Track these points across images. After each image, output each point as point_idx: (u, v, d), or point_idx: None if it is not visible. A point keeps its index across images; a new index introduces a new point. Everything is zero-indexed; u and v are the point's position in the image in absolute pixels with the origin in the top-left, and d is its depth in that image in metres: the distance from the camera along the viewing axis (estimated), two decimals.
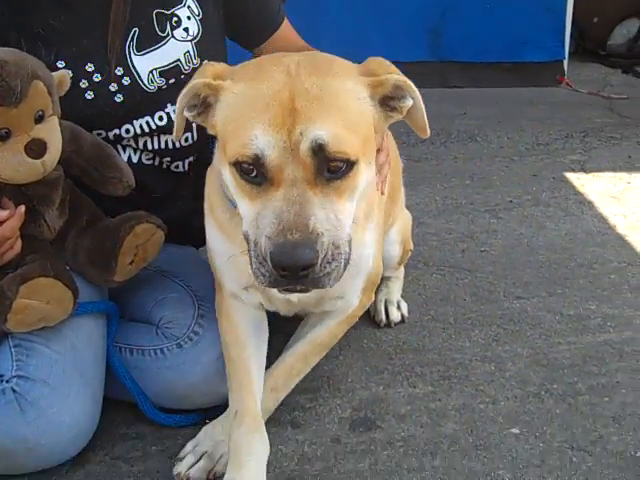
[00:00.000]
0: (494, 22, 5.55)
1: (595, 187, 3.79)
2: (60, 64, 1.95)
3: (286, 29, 2.33)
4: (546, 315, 2.60)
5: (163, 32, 2.08)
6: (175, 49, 2.10)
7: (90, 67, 2.00)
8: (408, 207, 2.71)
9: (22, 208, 1.80)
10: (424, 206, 3.45)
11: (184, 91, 1.60)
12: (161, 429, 2.04)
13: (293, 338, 2.06)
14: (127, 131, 2.08)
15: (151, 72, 2.07)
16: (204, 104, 1.60)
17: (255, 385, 1.89)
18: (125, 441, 2.01)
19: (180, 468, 1.83)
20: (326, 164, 1.45)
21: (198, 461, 1.84)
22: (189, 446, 1.87)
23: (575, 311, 2.63)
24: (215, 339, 2.00)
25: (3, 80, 1.67)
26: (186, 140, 2.19)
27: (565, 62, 5.78)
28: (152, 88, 2.08)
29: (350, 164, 1.47)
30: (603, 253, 3.07)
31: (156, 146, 2.15)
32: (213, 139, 2.32)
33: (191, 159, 2.24)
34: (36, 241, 1.89)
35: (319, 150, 1.43)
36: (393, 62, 1.62)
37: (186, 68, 2.11)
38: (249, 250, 1.51)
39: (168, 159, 2.19)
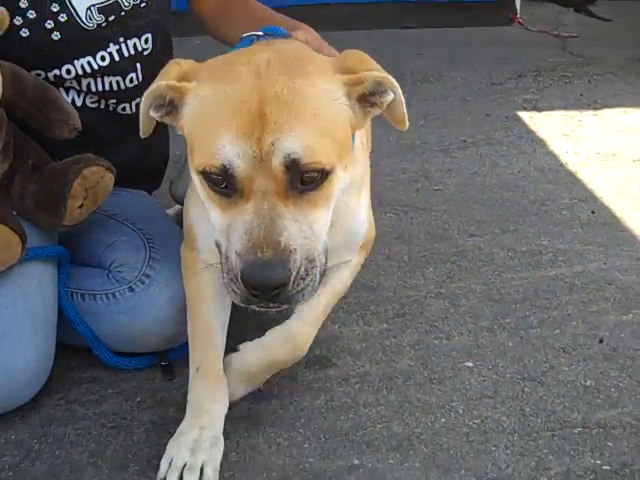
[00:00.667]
0: None
1: (547, 125, 3.81)
2: None
3: None
4: (499, 251, 2.63)
5: None
6: None
7: (24, 3, 1.94)
8: None
9: None
10: (378, 147, 3.41)
11: (147, 92, 1.55)
12: (117, 373, 2.04)
13: None
14: (68, 72, 2.03)
15: (89, 9, 2.01)
16: (171, 105, 1.55)
17: (218, 342, 1.84)
18: (80, 385, 2.00)
19: None
20: (299, 176, 1.40)
21: (182, 478, 1.64)
22: (164, 464, 1.66)
23: (527, 247, 2.66)
24: (167, 281, 1.99)
25: None
26: (131, 81, 2.14)
27: (517, 1, 5.76)
28: (91, 26, 2.02)
29: (325, 173, 1.42)
30: (555, 190, 3.10)
31: (100, 88, 2.10)
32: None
33: (138, 100, 2.19)
34: None
35: (292, 165, 1.38)
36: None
37: (126, 5, 2.06)
38: (220, 262, 1.48)
39: (113, 101, 2.15)
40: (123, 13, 2.05)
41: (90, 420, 1.88)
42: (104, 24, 2.04)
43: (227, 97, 1.42)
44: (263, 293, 1.40)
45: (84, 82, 2.07)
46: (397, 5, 5.54)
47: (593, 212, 2.90)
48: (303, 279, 1.43)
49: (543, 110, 4.02)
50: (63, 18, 1.98)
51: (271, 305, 1.45)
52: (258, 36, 1.87)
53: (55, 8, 1.96)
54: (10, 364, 1.79)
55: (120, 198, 2.20)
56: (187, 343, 2.01)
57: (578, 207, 2.95)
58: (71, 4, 1.98)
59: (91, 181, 1.91)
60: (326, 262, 1.51)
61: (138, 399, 1.95)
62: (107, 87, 2.11)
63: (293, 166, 1.38)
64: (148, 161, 2.39)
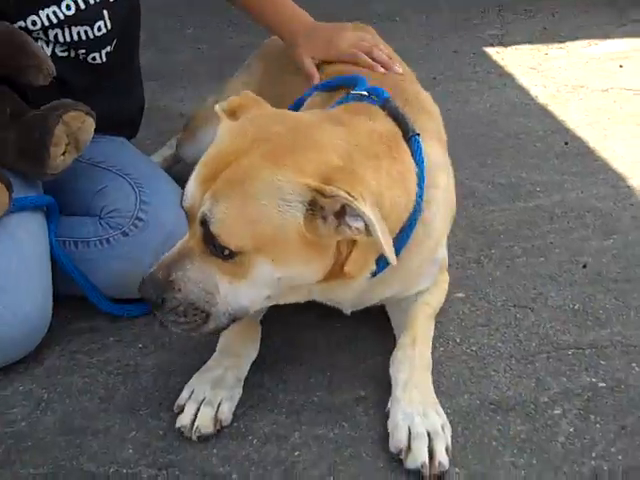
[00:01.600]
0: None
1: (514, 60, 3.85)
2: None
3: None
4: (479, 185, 2.68)
5: None
6: None
7: None
8: None
9: None
10: None
11: (216, 105, 1.68)
12: (115, 320, 2.06)
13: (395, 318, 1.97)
14: (34, 23, 2.00)
15: None
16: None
17: None
18: (80, 335, 2.02)
19: (184, 420, 1.67)
20: (212, 240, 1.48)
21: (199, 409, 1.68)
22: (184, 394, 1.71)
23: (506, 180, 2.71)
24: (161, 223, 2.00)
25: None
26: (99, 29, 2.11)
27: None
28: None
29: (235, 252, 1.47)
30: (527, 123, 3.15)
31: (68, 38, 2.07)
32: (132, 26, 2.28)
33: (108, 49, 2.17)
34: None
35: (207, 233, 1.48)
36: None
37: None
38: None
39: (83, 51, 2.13)
40: None
41: (95, 368, 1.90)
42: None
43: (219, 147, 1.56)
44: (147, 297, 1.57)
45: (51, 33, 2.04)
46: None
47: (566, 143, 2.96)
48: (178, 315, 1.54)
49: (509, 45, 4.06)
50: None
51: (167, 318, 1.57)
52: (361, 95, 1.83)
53: None
54: (10, 315, 1.80)
55: (101, 145, 2.20)
56: None
57: (551, 139, 3.00)
58: None
59: (72, 126, 1.91)
60: (234, 319, 1.58)
61: (140, 345, 1.97)
62: (75, 37, 2.08)
63: (208, 235, 1.48)
64: (124, 109, 2.38)
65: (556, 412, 1.72)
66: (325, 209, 1.48)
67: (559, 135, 3.01)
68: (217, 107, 1.67)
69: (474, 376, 1.84)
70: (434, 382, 1.77)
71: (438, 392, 1.76)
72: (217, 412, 1.69)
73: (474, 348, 1.93)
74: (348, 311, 1.91)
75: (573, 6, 4.64)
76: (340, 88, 1.95)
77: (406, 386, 1.70)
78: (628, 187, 2.64)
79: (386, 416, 1.68)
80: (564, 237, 2.37)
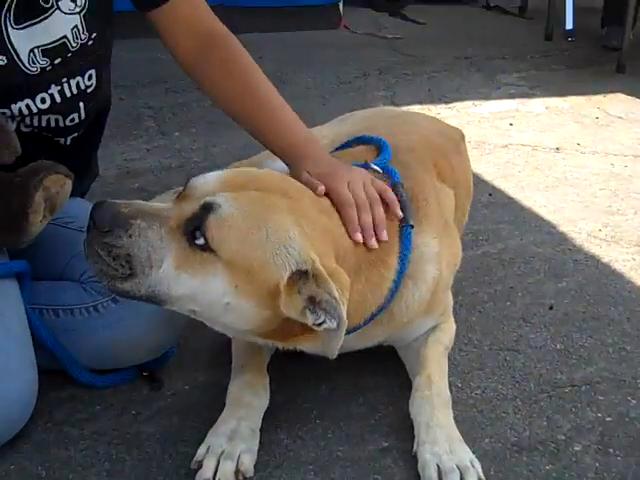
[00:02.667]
0: None
1: None
2: None
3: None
4: None
5: (47, 3, 1.77)
6: (61, 23, 1.80)
7: None
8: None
9: None
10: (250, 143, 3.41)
11: None
12: (95, 389, 1.89)
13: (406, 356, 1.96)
14: (4, 113, 1.82)
15: (32, 51, 1.78)
16: None
17: (263, 349, 1.83)
18: (62, 405, 1.83)
19: (206, 474, 1.57)
20: (197, 228, 1.46)
21: (219, 463, 1.59)
22: (201, 450, 1.62)
23: None
24: None
25: None
26: (72, 120, 1.94)
27: (340, 5, 5.95)
28: (34, 70, 1.80)
29: (210, 251, 1.46)
30: None
31: (36, 124, 1.89)
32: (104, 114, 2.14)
33: (75, 135, 2.00)
34: None
35: (204, 213, 1.47)
36: None
37: (73, 45, 1.84)
38: None
39: (49, 135, 1.96)
40: (69, 54, 1.85)
41: (91, 439, 1.73)
42: (49, 68, 1.83)
43: (268, 173, 1.65)
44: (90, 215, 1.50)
45: (18, 118, 1.87)
46: (232, 9, 5.53)
47: (490, 194, 3.07)
48: (108, 254, 1.48)
49: (401, 105, 4.18)
50: (2, 62, 1.75)
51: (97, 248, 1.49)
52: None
53: None
54: (5, 395, 1.62)
55: (66, 207, 2.04)
56: (169, 350, 1.94)
57: (475, 190, 3.06)
58: (12, 45, 1.75)
59: (52, 191, 1.74)
60: (148, 299, 1.53)
61: (133, 412, 1.82)
62: (44, 124, 1.91)
63: (203, 216, 1.47)
64: (82, 183, 2.22)
65: (577, 449, 1.75)
66: (306, 288, 1.49)
67: (481, 187, 3.11)
68: None
69: (487, 419, 1.84)
70: None
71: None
72: (238, 465, 1.61)
73: (478, 392, 1.93)
74: (333, 356, 1.87)
75: (447, 71, 4.89)
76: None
77: (429, 427, 1.68)
78: (560, 233, 2.76)
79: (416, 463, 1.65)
80: (521, 281, 2.44)
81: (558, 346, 2.11)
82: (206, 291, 1.49)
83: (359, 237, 1.64)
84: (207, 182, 1.55)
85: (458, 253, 1.99)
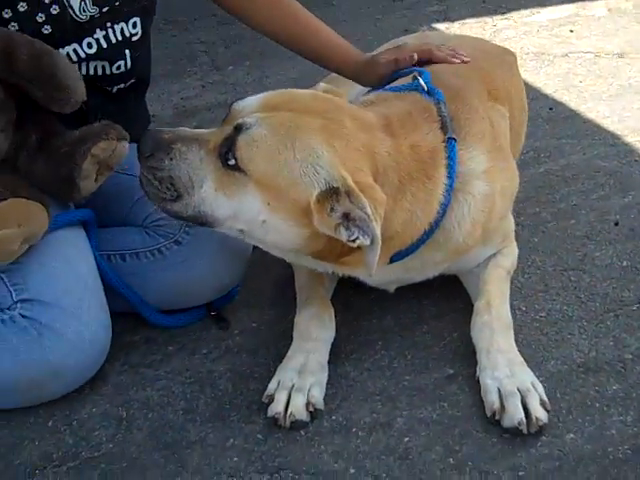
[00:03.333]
0: None
1: (467, 34, 3.86)
2: None
3: None
4: None
5: None
6: None
7: None
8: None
9: None
10: (304, 74, 3.37)
11: None
12: (167, 329, 1.95)
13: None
14: None
15: (83, 0, 1.82)
16: None
17: (326, 281, 1.89)
18: (137, 348, 1.91)
19: (277, 407, 1.63)
20: (231, 146, 1.53)
21: (290, 397, 1.65)
22: (272, 384, 1.68)
23: None
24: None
25: None
26: (118, 68, 1.97)
27: None
28: (84, 18, 1.84)
29: (242, 171, 1.52)
30: None
31: (84, 71, 1.92)
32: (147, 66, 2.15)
33: (121, 85, 2.03)
34: None
35: (236, 131, 1.53)
36: None
37: None
38: None
39: (98, 83, 1.98)
40: (117, 3, 1.88)
41: (166, 379, 1.80)
42: (97, 15, 1.86)
43: (304, 93, 1.69)
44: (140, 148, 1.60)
45: None
46: None
47: (551, 108, 3.00)
48: (154, 177, 1.58)
49: (456, 20, 4.08)
50: (55, 10, 1.79)
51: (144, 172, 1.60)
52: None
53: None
54: (79, 338, 1.69)
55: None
56: (234, 289, 1.98)
57: (535, 105, 3.02)
58: None
59: (102, 156, 1.76)
60: (196, 220, 1.61)
61: (204, 351, 1.89)
62: (92, 72, 1.94)
63: (235, 134, 1.53)
64: (134, 130, 2.24)
65: None
66: (339, 204, 1.50)
67: (540, 101, 3.05)
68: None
69: (552, 341, 1.84)
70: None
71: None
72: (308, 397, 1.66)
73: (542, 314, 1.93)
74: (391, 289, 1.91)
75: None
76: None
77: (489, 352, 1.70)
78: (626, 144, 2.69)
79: None
80: (585, 198, 2.40)
81: (624, 263, 2.09)
82: (243, 210, 1.56)
83: (455, 59, 1.98)
84: (247, 105, 1.60)
85: (514, 178, 1.95)
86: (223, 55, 3.85)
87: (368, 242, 1.50)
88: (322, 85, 1.75)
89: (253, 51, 3.79)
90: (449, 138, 1.72)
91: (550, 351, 1.81)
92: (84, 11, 1.83)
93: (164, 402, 1.73)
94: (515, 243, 2.00)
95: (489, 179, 1.79)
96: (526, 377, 1.65)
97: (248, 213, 1.55)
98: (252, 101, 1.61)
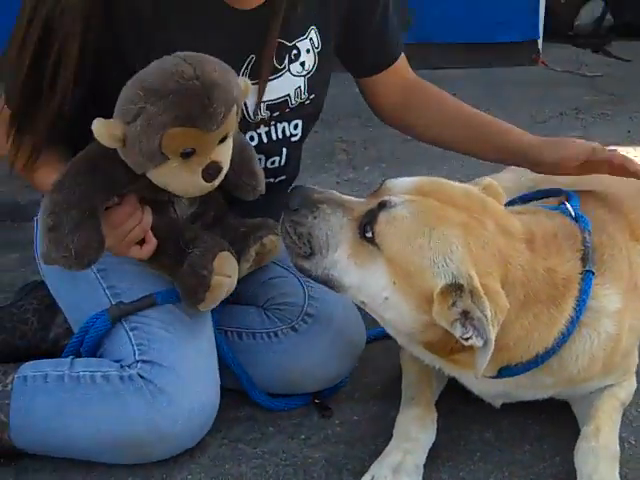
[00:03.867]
0: (471, 2, 5.61)
1: None
2: None
3: (401, 63, 2.16)
4: None
5: (280, 64, 1.92)
6: (288, 83, 1.94)
7: None
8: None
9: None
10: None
11: None
12: (269, 411, 1.99)
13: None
14: None
15: (258, 105, 1.92)
16: None
17: (433, 382, 1.90)
18: (240, 423, 1.95)
19: None
20: (371, 220, 1.59)
21: None
22: (366, 478, 1.70)
23: None
24: (329, 322, 1.96)
25: (211, 106, 1.58)
26: (272, 163, 2.06)
27: (539, 41, 5.86)
28: (254, 120, 1.94)
29: (375, 247, 1.59)
30: None
31: None
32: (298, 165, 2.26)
33: (271, 180, 2.09)
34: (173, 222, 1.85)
35: (379, 207, 1.60)
36: None
37: (293, 103, 1.97)
38: None
39: None
40: (288, 110, 1.98)
41: (262, 459, 1.84)
42: (267, 118, 1.96)
43: (464, 187, 1.69)
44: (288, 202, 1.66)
45: None
46: (425, 46, 5.62)
47: None
48: (294, 232, 1.64)
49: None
50: None
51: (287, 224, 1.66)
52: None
53: None
54: (190, 406, 1.75)
55: None
56: (342, 380, 2.01)
57: None
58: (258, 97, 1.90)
59: (266, 248, 1.91)
60: (324, 281, 1.66)
61: (302, 437, 1.91)
62: None
63: (378, 209, 1.59)
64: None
65: None
66: (461, 301, 1.51)
67: None
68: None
69: None
70: None
71: None
72: None
73: None
74: (497, 404, 1.89)
75: None
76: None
77: (591, 479, 1.65)
78: None
79: None
80: None
81: None
82: (369, 282, 1.60)
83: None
84: (399, 184, 1.66)
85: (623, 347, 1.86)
86: (361, 155, 3.98)
87: (481, 344, 1.51)
88: (487, 179, 1.75)
89: (391, 155, 3.91)
90: (588, 270, 1.71)
91: None
92: (256, 114, 1.93)
93: None
94: (635, 377, 1.95)
95: (618, 319, 1.76)
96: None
97: (373, 286, 1.60)
98: (405, 182, 1.66)
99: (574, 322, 1.69)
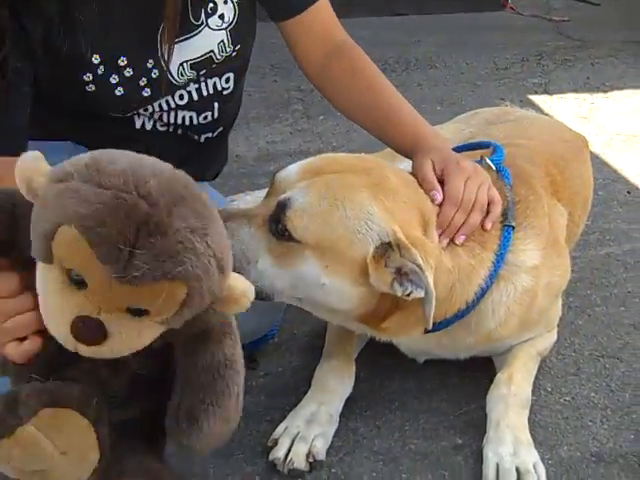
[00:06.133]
0: None
1: (562, 109, 3.85)
2: (95, 59, 1.77)
3: (324, 11, 2.04)
4: None
5: (197, 20, 1.86)
6: (209, 39, 1.89)
7: (123, 61, 1.80)
8: None
9: None
10: None
11: None
12: None
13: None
14: (145, 109, 1.94)
15: (181, 65, 1.88)
16: None
17: (354, 341, 1.91)
18: None
19: (278, 453, 1.68)
20: (279, 222, 1.53)
21: (293, 444, 1.70)
22: (279, 429, 1.73)
23: None
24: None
25: (131, 244, 1.06)
26: (205, 118, 2.03)
27: None
28: (181, 81, 1.91)
29: (294, 240, 1.52)
30: None
31: (172, 120, 2.00)
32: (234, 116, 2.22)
33: (209, 135, 2.10)
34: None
35: (281, 209, 1.53)
36: None
37: (218, 58, 1.93)
38: None
39: (182, 131, 2.06)
40: (214, 65, 1.94)
41: None
42: (194, 78, 1.93)
43: (340, 156, 1.70)
44: None
45: (156, 115, 1.98)
46: None
47: (629, 192, 2.95)
48: None
49: (554, 93, 4.07)
50: (155, 74, 1.86)
51: None
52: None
53: (150, 64, 1.84)
54: None
55: None
56: (268, 334, 2.03)
57: (612, 187, 2.99)
58: (165, 60, 1.85)
59: None
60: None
61: None
62: (179, 121, 2.01)
63: (280, 211, 1.53)
64: (211, 170, 2.34)
65: None
66: (390, 260, 1.51)
67: (619, 184, 3.01)
68: None
69: (570, 427, 1.82)
70: (530, 431, 1.74)
71: (536, 442, 1.72)
72: (310, 447, 1.69)
73: (567, 398, 1.91)
74: (420, 360, 1.94)
75: (612, 57, 4.67)
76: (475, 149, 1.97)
77: (498, 426, 1.70)
78: None
79: None
80: None
81: None
82: (302, 278, 1.56)
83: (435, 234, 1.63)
84: (288, 174, 1.61)
85: (565, 275, 1.91)
86: (317, 105, 3.95)
87: (422, 294, 1.51)
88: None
89: None
90: (507, 225, 1.72)
91: (566, 436, 1.78)
92: (182, 75, 1.90)
93: None
94: (556, 329, 1.99)
95: (535, 275, 1.77)
96: (529, 458, 1.63)
97: (308, 279, 1.55)
98: (293, 170, 1.61)
99: (492, 276, 1.70)
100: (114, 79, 1.82)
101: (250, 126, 3.64)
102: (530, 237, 1.78)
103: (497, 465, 1.61)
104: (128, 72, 1.83)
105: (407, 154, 1.89)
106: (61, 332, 1.14)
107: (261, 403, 1.89)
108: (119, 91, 1.83)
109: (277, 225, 1.53)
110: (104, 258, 1.05)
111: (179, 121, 2.01)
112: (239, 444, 1.76)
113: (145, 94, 1.88)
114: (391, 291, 1.53)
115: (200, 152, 2.13)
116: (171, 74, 1.88)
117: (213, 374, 1.26)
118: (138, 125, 1.99)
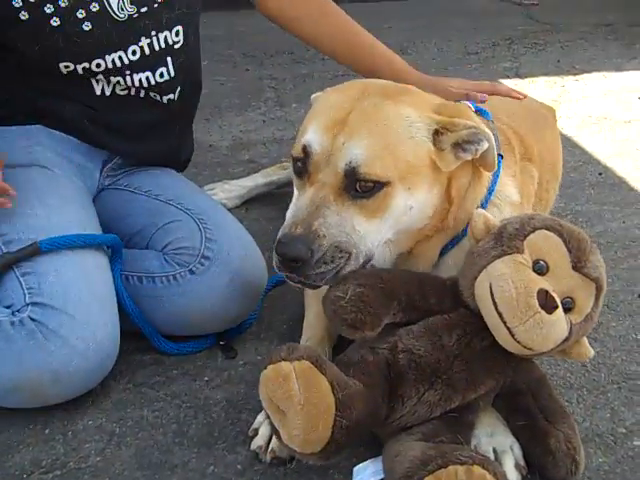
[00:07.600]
0: None
1: (533, 92, 3.87)
2: None
3: None
4: None
5: None
6: None
7: None
8: None
9: None
10: None
11: None
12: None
13: None
14: (98, 65, 1.97)
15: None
16: None
17: (331, 331, 1.91)
18: (144, 368, 1.97)
19: (259, 441, 1.67)
20: (354, 184, 1.58)
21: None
22: (260, 418, 1.71)
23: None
24: (227, 261, 1.97)
25: None
26: (161, 75, 2.07)
27: None
28: (122, 16, 1.95)
29: (380, 185, 1.59)
30: None
31: (129, 83, 2.04)
32: (195, 75, 2.25)
33: (171, 96, 2.13)
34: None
35: (351, 172, 1.57)
36: None
37: None
38: None
39: (144, 93, 2.10)
40: (156, 5, 1.99)
41: (164, 402, 1.86)
42: (135, 15, 1.97)
43: (330, 103, 1.68)
44: (283, 263, 1.59)
45: (113, 80, 2.01)
46: None
47: (600, 174, 2.98)
48: (326, 263, 1.58)
49: (526, 77, 4.10)
50: (95, 8, 1.91)
51: (294, 278, 1.62)
52: None
53: None
54: (84, 346, 1.74)
55: (156, 177, 2.19)
56: (245, 322, 2.04)
57: (584, 169, 3.03)
58: None
59: None
60: (365, 263, 1.65)
61: (206, 378, 1.94)
62: (137, 83, 2.04)
63: (352, 174, 1.58)
64: (181, 149, 2.35)
65: (636, 443, 1.72)
66: (445, 142, 1.65)
67: (591, 165, 3.04)
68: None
69: None
70: None
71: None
72: None
73: None
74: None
75: (582, 40, 4.72)
76: None
77: None
78: None
79: None
80: (614, 267, 2.37)
81: (639, 336, 2.06)
82: (395, 216, 1.64)
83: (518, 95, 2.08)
84: (320, 142, 1.62)
85: None
86: (290, 92, 3.96)
87: (486, 145, 1.65)
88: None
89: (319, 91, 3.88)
90: (497, 154, 1.78)
91: None
92: (122, 10, 1.95)
93: (157, 423, 1.79)
94: None
95: (520, 209, 1.87)
96: (505, 439, 1.65)
97: (399, 213, 1.64)
98: (318, 137, 1.62)
99: (488, 196, 1.81)
100: (49, 8, 1.87)
101: (223, 115, 3.63)
102: (509, 179, 1.89)
103: (474, 448, 1.62)
104: (64, 2, 1.88)
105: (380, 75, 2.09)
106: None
107: (241, 392, 1.89)
108: (55, 21, 1.88)
109: (355, 189, 1.59)
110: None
111: (136, 83, 2.05)
112: (220, 434, 1.76)
113: (86, 28, 1.91)
114: (461, 161, 1.67)
115: (166, 116, 2.17)
116: (110, 6, 1.94)
117: None
118: (98, 91, 2.03)
